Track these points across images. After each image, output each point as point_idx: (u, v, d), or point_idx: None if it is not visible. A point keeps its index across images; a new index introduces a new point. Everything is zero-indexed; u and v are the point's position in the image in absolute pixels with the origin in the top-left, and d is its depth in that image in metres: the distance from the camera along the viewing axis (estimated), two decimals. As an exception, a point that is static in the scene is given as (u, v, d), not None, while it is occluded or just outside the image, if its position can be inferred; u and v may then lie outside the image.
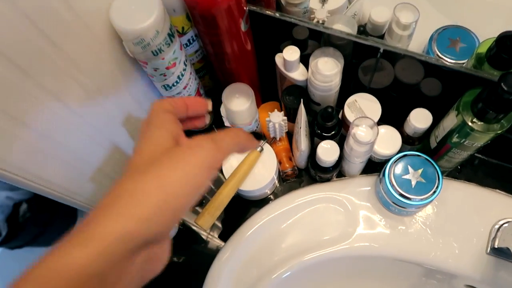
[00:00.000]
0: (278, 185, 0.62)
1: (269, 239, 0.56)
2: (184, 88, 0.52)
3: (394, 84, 0.53)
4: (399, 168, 0.50)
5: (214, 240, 0.62)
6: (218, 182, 0.64)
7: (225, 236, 0.58)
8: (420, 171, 0.50)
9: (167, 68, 0.47)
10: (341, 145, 0.53)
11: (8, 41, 0.32)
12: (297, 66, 0.52)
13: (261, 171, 0.55)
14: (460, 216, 0.53)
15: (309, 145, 0.55)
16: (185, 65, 0.50)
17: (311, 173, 0.59)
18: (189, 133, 0.36)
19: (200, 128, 0.42)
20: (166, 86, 0.51)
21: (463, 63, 0.51)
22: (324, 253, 0.54)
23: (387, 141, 0.53)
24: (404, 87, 0.53)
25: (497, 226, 0.51)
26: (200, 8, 0.41)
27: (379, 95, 0.55)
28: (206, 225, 0.50)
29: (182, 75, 0.50)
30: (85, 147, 0.46)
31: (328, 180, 0.58)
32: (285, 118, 0.54)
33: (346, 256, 0.54)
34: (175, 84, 0.50)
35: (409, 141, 0.54)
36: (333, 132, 0.53)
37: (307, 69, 0.53)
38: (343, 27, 0.51)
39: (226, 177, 0.54)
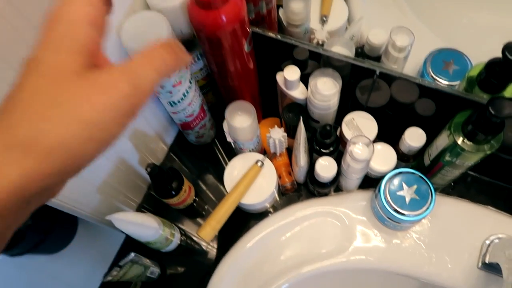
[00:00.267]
0: (277, 199, 0.64)
1: (268, 252, 0.57)
2: (189, 104, 0.55)
3: (390, 103, 0.55)
4: (394, 185, 0.52)
5: (214, 251, 0.64)
6: (220, 195, 0.66)
7: (224, 247, 0.60)
8: (414, 187, 0.52)
9: (173, 86, 0.49)
10: (338, 161, 0.55)
11: None
12: (297, 85, 0.55)
13: (261, 185, 0.57)
14: (452, 232, 0.55)
15: (308, 161, 0.57)
16: (190, 83, 0.52)
17: (309, 188, 0.61)
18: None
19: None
20: (171, 102, 0.53)
21: (456, 85, 0.53)
22: (322, 266, 0.56)
23: (383, 158, 0.56)
24: (399, 106, 0.55)
25: (488, 242, 0.53)
26: (206, 30, 0.44)
27: (376, 113, 0.57)
28: (208, 237, 0.52)
29: (187, 92, 0.53)
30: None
31: (326, 194, 0.60)
32: (285, 134, 0.56)
33: (343, 269, 0.56)
34: (180, 100, 0.53)
35: (404, 158, 0.56)
36: (331, 149, 0.56)
37: (307, 88, 0.55)
38: (342, 49, 0.54)
39: (228, 190, 0.56)
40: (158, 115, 0.62)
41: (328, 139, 0.54)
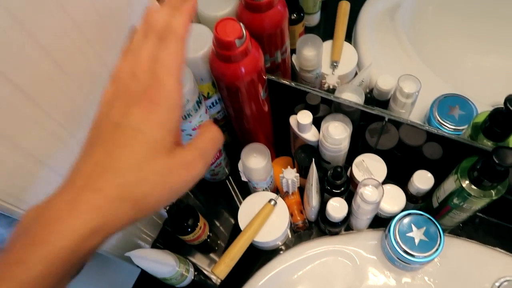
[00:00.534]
0: (289, 236, 0.65)
1: (280, 289, 0.59)
2: None
3: (398, 146, 0.58)
4: (403, 226, 0.54)
5: (226, 287, 0.65)
6: (233, 231, 0.68)
7: (237, 283, 0.61)
8: (423, 229, 0.53)
9: (193, 129, 0.52)
10: (349, 200, 0.57)
11: (52, 101, 0.37)
12: (309, 128, 0.57)
13: (274, 223, 0.59)
14: (462, 273, 0.56)
15: (319, 201, 0.59)
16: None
17: (320, 226, 0.63)
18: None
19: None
20: (190, 143, 0.56)
21: (462, 130, 0.56)
22: (333, 304, 0.57)
23: (392, 199, 0.57)
24: (408, 149, 0.57)
25: (497, 284, 0.54)
26: (226, 80, 0.47)
27: (385, 155, 0.59)
28: (222, 274, 0.54)
29: None
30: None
31: (337, 233, 0.62)
32: (298, 174, 0.59)
33: (353, 308, 0.57)
34: (198, 142, 0.56)
35: (412, 200, 0.58)
36: (342, 189, 0.58)
37: (319, 130, 0.58)
38: (352, 96, 0.57)
39: (242, 228, 0.58)
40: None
41: (339, 180, 0.56)
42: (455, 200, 0.51)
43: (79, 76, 0.40)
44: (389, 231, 0.54)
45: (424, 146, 0.55)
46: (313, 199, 0.57)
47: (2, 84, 0.32)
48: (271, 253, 0.64)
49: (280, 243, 0.63)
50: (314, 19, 0.72)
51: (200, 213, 0.63)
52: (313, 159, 0.56)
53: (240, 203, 0.61)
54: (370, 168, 0.58)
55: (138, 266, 0.54)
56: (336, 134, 0.53)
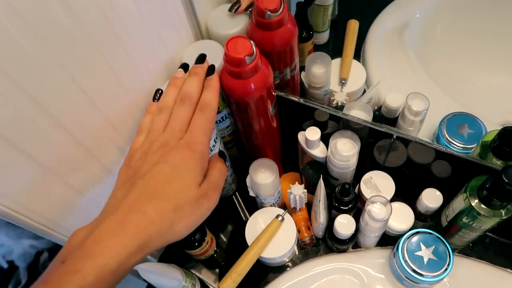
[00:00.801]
0: (296, 253, 0.65)
1: (286, 307, 0.58)
2: None
3: (407, 163, 0.58)
4: (412, 244, 0.53)
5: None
6: (240, 246, 0.68)
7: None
8: (432, 248, 0.53)
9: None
10: (357, 217, 0.57)
11: (83, 131, 0.39)
12: (317, 144, 0.58)
13: (281, 239, 0.58)
14: (472, 294, 0.55)
15: (327, 217, 0.59)
16: (215, 142, 0.56)
17: (328, 243, 0.63)
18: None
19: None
20: (199, 158, 0.56)
21: (471, 148, 0.56)
22: (340, 323, 0.56)
23: (401, 216, 0.57)
24: (416, 166, 0.57)
25: (508, 306, 0.53)
26: (236, 96, 0.48)
27: (393, 172, 0.59)
28: (228, 290, 0.53)
29: (211, 150, 0.56)
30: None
31: (344, 250, 0.62)
32: (305, 190, 0.59)
33: (361, 328, 0.56)
34: (207, 156, 0.56)
35: (421, 218, 0.58)
36: (350, 206, 0.57)
37: (327, 147, 0.58)
38: (360, 113, 0.57)
39: (249, 243, 0.58)
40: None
41: (347, 197, 0.56)
42: (464, 219, 0.50)
43: (125, 131, 0.46)
44: (397, 249, 0.54)
45: (433, 164, 0.55)
46: (321, 216, 0.57)
47: (68, 142, 0.39)
48: (278, 270, 0.63)
49: (287, 260, 0.63)
50: (323, 37, 0.73)
51: (207, 228, 0.63)
52: (321, 176, 0.56)
53: (247, 218, 0.61)
54: (378, 185, 0.58)
55: (144, 280, 0.54)
56: (344, 151, 0.54)
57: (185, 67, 0.47)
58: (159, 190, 0.36)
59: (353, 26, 0.68)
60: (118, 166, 0.41)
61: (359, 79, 0.66)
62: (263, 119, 0.54)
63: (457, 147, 0.56)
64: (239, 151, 0.68)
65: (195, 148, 0.39)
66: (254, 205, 0.68)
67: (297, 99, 0.55)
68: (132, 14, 0.40)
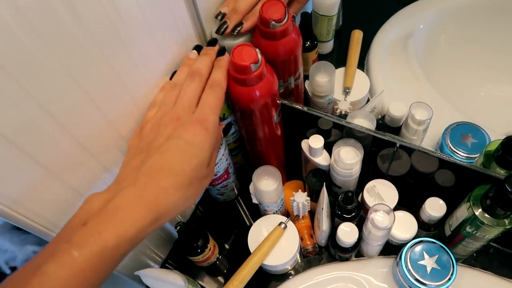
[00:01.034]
0: (299, 261, 0.65)
1: (289, 315, 0.58)
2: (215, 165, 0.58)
3: (410, 172, 0.58)
4: (415, 254, 0.53)
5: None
6: (242, 253, 0.68)
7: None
8: (435, 257, 0.52)
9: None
10: (360, 225, 0.57)
11: (84, 132, 0.40)
12: (321, 152, 0.58)
13: (284, 247, 0.58)
14: (476, 305, 0.55)
15: (330, 225, 0.59)
16: (219, 149, 0.56)
17: (331, 251, 0.63)
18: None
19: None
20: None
21: (475, 157, 0.56)
22: (342, 333, 0.55)
23: (404, 225, 0.57)
24: (419, 175, 0.57)
25: (513, 318, 0.53)
26: (241, 104, 0.48)
27: (397, 181, 0.59)
28: (230, 297, 0.53)
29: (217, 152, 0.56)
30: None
31: (347, 259, 0.61)
32: (308, 198, 0.59)
33: (363, 338, 0.56)
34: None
35: (425, 227, 0.58)
36: (353, 214, 0.57)
37: (330, 155, 0.58)
38: (363, 121, 0.58)
39: (251, 250, 0.58)
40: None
41: (350, 205, 0.56)
42: (468, 229, 0.50)
43: (126, 132, 0.46)
44: (400, 258, 0.54)
45: (436, 173, 0.55)
46: (324, 223, 0.57)
47: (68, 142, 0.38)
48: (280, 278, 0.63)
49: (289, 267, 0.63)
50: (327, 46, 0.74)
51: (210, 235, 0.63)
52: (324, 183, 0.56)
53: (250, 225, 0.62)
54: (381, 193, 0.58)
55: (147, 286, 0.54)
56: (347, 159, 0.54)
57: (198, 48, 0.49)
58: (176, 165, 0.38)
59: (357, 36, 0.69)
60: (118, 167, 0.41)
61: (363, 88, 0.66)
62: (268, 126, 0.54)
63: (460, 157, 0.56)
64: (244, 158, 0.69)
65: (207, 126, 0.41)
66: (257, 212, 0.68)
67: (301, 107, 0.55)
68: (138, 21, 0.40)
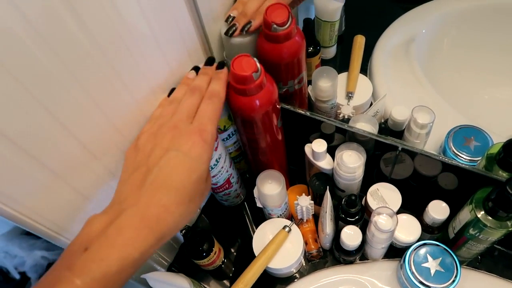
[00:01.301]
0: (303, 264, 0.65)
1: (293, 318, 0.58)
2: (213, 176, 0.59)
3: (413, 176, 0.58)
4: (419, 256, 0.53)
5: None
6: (247, 257, 0.69)
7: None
8: (438, 260, 0.53)
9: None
10: (363, 229, 0.57)
11: (97, 144, 0.41)
12: (324, 156, 0.59)
13: (288, 250, 0.59)
14: (480, 307, 0.55)
15: (333, 229, 0.60)
16: (217, 162, 0.56)
17: (335, 255, 0.63)
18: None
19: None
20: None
21: (478, 160, 0.56)
22: (347, 335, 0.56)
23: (408, 228, 0.57)
24: (423, 178, 0.57)
25: (518, 320, 0.53)
26: (242, 113, 0.49)
27: (400, 184, 0.60)
28: (235, 300, 0.54)
29: (212, 168, 0.56)
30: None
31: (351, 262, 0.62)
32: (312, 202, 0.59)
33: None
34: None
35: (428, 230, 0.58)
36: (356, 217, 0.58)
37: (333, 159, 0.59)
38: (366, 125, 0.58)
39: (256, 254, 0.58)
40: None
41: (353, 209, 0.57)
42: (471, 231, 0.50)
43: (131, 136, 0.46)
44: (404, 260, 0.54)
45: (439, 176, 0.55)
46: (327, 227, 0.57)
47: (72, 146, 0.39)
48: (285, 281, 0.63)
49: (294, 271, 0.63)
50: (330, 52, 0.75)
51: (215, 239, 0.64)
52: (328, 187, 0.57)
53: (255, 229, 0.62)
54: (384, 197, 0.58)
55: (153, 289, 0.55)
56: (350, 163, 0.54)
57: (196, 69, 0.49)
58: (176, 181, 0.37)
59: (360, 41, 0.70)
60: (120, 167, 0.41)
61: (365, 93, 0.67)
62: (269, 133, 0.55)
63: (463, 160, 0.57)
64: (247, 164, 0.70)
65: (206, 137, 0.40)
66: (262, 216, 0.68)
67: (303, 112, 0.56)
68: (145, 34, 0.41)
